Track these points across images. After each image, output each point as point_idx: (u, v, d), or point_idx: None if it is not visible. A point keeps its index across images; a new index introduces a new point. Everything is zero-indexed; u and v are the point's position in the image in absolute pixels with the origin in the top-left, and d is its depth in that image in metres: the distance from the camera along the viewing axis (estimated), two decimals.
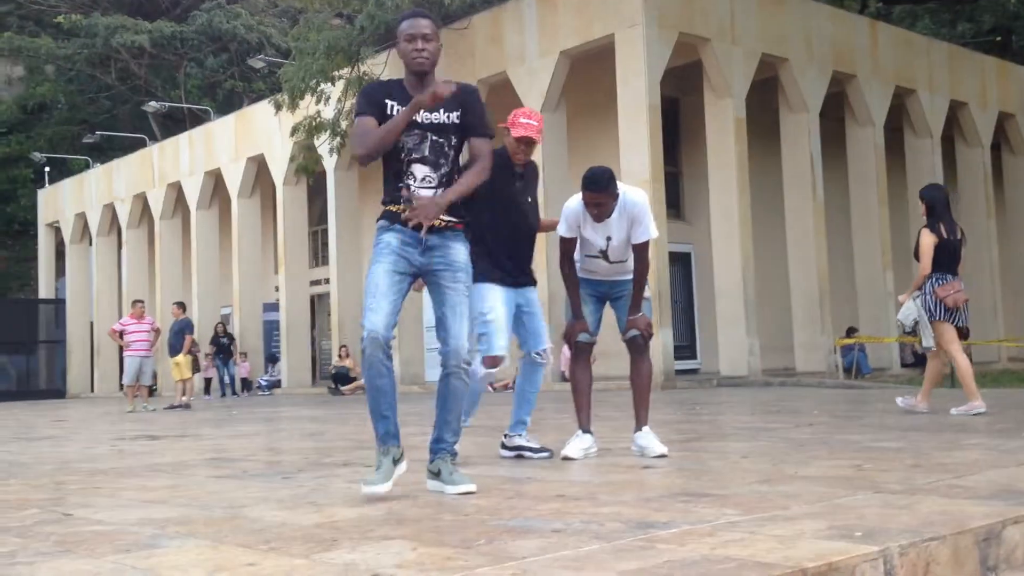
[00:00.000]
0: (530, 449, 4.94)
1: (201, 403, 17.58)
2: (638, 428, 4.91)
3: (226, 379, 21.78)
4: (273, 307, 23.84)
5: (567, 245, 4.86)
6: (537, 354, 4.97)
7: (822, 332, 16.46)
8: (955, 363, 7.33)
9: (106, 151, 34.35)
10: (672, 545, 2.55)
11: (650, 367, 5.04)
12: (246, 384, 22.60)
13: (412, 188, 3.69)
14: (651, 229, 4.82)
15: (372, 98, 3.77)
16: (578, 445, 4.83)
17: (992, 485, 3.46)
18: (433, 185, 3.70)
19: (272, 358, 23.62)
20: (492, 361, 4.81)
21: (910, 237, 19.38)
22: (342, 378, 19.44)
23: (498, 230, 4.80)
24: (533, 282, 5.01)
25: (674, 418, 7.96)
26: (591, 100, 17.44)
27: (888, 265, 18.01)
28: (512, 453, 4.99)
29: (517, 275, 4.89)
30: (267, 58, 26.97)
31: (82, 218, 29.11)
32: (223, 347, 21.66)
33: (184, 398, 15.17)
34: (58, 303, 30.34)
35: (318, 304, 25.03)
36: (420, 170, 3.70)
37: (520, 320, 4.95)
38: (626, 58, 15.06)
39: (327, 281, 22.09)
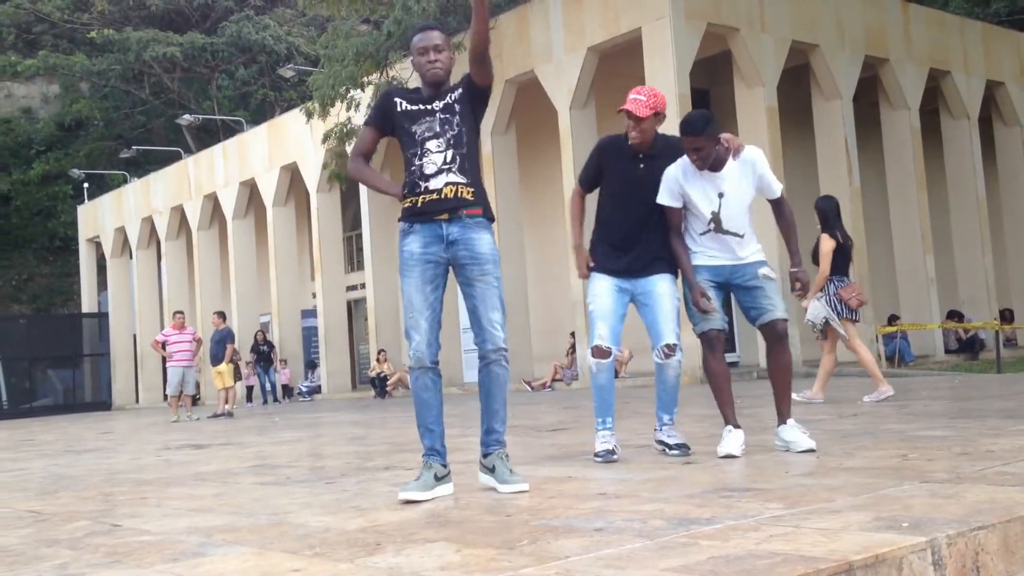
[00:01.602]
0: (667, 446, 4.74)
1: (244, 411, 17.76)
2: (782, 421, 4.60)
3: (267, 386, 22.01)
4: (311, 313, 24.03)
5: (672, 216, 4.64)
6: (659, 351, 4.60)
7: (863, 320, 16.22)
8: (859, 356, 8.04)
9: (143, 165, 34.87)
10: (716, 541, 2.53)
11: (790, 356, 4.70)
12: (287, 391, 22.81)
13: (424, 171, 3.75)
14: (777, 183, 4.66)
15: (382, 109, 3.89)
16: (735, 441, 4.50)
17: None
18: (442, 149, 3.74)
19: (311, 364, 23.83)
20: (596, 352, 4.56)
21: (951, 221, 19.23)
22: (382, 382, 19.56)
23: (615, 216, 4.69)
24: (658, 270, 4.63)
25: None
26: (621, 95, 17.25)
27: (929, 249, 17.74)
28: (660, 447, 4.80)
29: (631, 263, 4.63)
30: (297, 67, 27.19)
31: (121, 232, 29.54)
32: (263, 355, 21.89)
33: (227, 406, 15.33)
34: (101, 316, 30.80)
35: (355, 309, 25.18)
36: (433, 144, 3.75)
37: (642, 312, 4.63)
38: (654, 51, 14.98)
39: (363, 286, 22.21)
